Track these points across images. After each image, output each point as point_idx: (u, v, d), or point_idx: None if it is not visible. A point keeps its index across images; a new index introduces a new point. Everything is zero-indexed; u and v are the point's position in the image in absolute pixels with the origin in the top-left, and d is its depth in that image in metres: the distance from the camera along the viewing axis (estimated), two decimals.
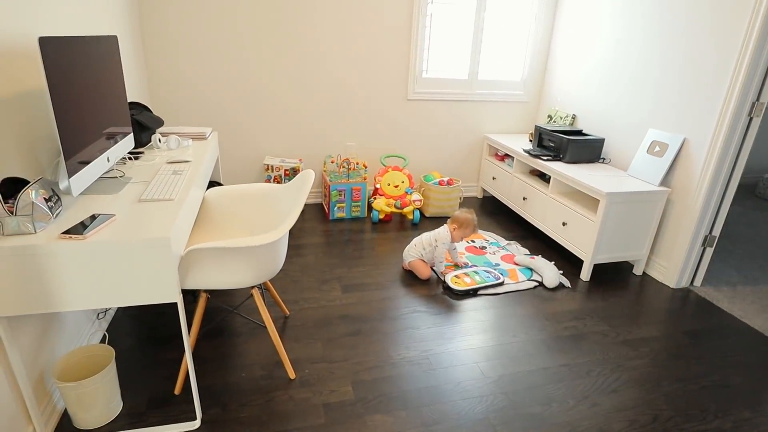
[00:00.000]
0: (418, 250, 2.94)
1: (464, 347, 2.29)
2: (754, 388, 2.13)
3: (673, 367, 2.24)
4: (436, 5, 3.76)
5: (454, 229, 2.95)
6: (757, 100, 2.56)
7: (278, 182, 3.67)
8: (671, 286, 2.97)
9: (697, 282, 3.00)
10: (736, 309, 2.76)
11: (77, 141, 1.54)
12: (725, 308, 2.76)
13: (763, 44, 2.43)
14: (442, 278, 2.90)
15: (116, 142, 1.92)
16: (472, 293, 2.76)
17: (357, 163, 3.72)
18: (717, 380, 2.16)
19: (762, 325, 2.62)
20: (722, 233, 3.85)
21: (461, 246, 3.35)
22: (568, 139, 3.31)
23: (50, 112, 1.76)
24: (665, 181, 2.98)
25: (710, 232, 2.87)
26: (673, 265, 2.95)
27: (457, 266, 3.04)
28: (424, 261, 2.93)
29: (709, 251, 2.92)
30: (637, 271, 3.12)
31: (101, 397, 1.67)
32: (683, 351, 2.36)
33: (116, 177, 1.88)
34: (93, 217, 1.49)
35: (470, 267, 3.03)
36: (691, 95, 2.79)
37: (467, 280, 2.83)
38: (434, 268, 2.96)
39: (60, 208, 1.49)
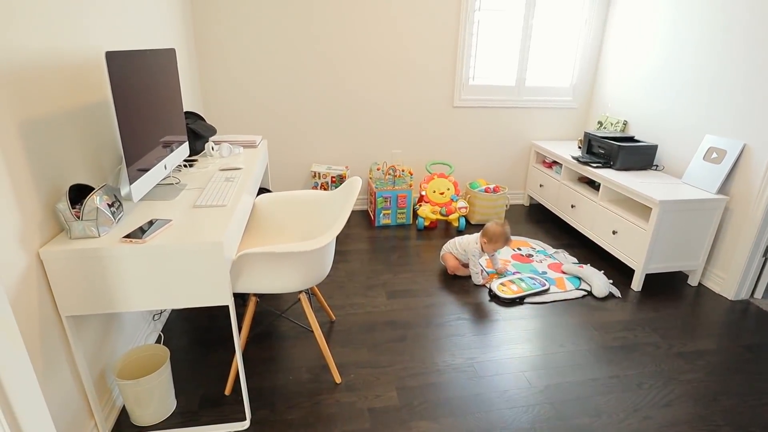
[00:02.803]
0: (452, 247, 3.01)
1: (510, 356, 2.26)
2: None
3: (732, 381, 2.13)
4: (483, 12, 3.75)
5: (484, 242, 2.90)
6: None
7: (325, 189, 3.74)
8: (729, 298, 2.82)
9: (758, 294, 2.83)
10: None
11: (137, 150, 1.63)
12: None
13: None
14: (488, 286, 2.87)
15: (172, 151, 2.01)
16: (519, 301, 2.72)
17: (402, 170, 3.74)
18: None
19: None
20: None
21: (507, 253, 3.30)
22: (619, 145, 3.21)
23: (114, 123, 1.87)
24: (723, 189, 2.84)
25: None
26: (732, 276, 2.80)
27: (499, 274, 3.00)
28: (455, 257, 2.98)
29: None
30: (693, 281, 2.99)
31: (157, 395, 1.74)
32: (743, 366, 2.24)
33: (172, 184, 1.97)
34: (151, 222, 1.56)
35: (514, 274, 2.98)
36: (751, 99, 2.65)
37: (514, 287, 2.78)
38: (472, 279, 2.95)
39: (122, 213, 1.57)
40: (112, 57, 1.44)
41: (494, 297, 2.76)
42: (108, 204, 1.48)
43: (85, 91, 1.69)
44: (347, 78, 3.72)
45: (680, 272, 3.12)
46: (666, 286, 2.95)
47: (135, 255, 1.42)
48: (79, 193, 1.49)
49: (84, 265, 1.41)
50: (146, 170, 1.69)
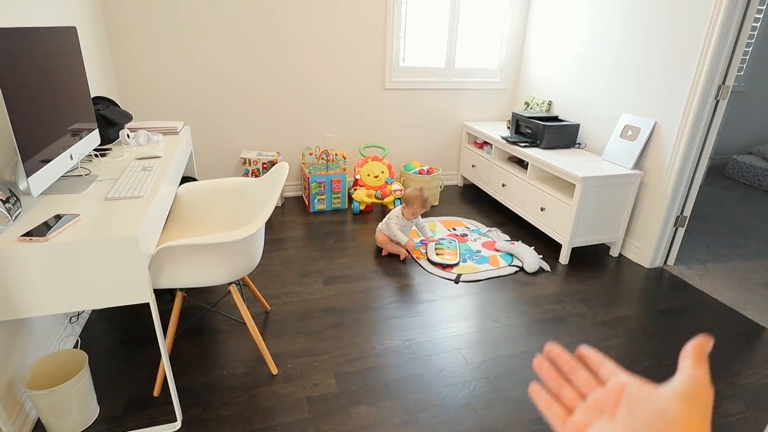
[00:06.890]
0: (382, 225, 3.10)
1: (446, 335, 2.29)
2: (724, 360, 2.18)
3: (648, 344, 2.28)
4: None
5: (403, 208, 3.03)
6: (723, 83, 2.60)
7: (256, 176, 3.61)
8: (646, 266, 3.02)
9: (671, 261, 3.05)
10: (707, 285, 2.82)
11: (36, 139, 1.48)
12: (697, 285, 2.82)
13: (727, 30, 2.48)
14: (423, 254, 3.00)
15: (80, 139, 1.85)
16: (456, 282, 2.76)
17: (336, 155, 3.68)
18: None
19: (730, 299, 2.68)
20: (693, 213, 3.91)
21: (443, 233, 3.35)
22: (545, 125, 3.31)
23: (3, 109, 1.69)
24: (638, 164, 3.01)
25: (682, 212, 2.91)
26: (648, 245, 2.99)
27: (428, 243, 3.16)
28: (384, 233, 3.06)
29: (681, 231, 2.97)
30: (614, 252, 3.16)
31: (76, 403, 1.62)
32: (658, 328, 2.41)
33: (81, 175, 1.82)
34: (57, 218, 1.43)
35: (435, 239, 3.20)
36: (661, 80, 2.81)
37: (449, 251, 3.03)
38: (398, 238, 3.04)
39: (19, 210, 1.42)
40: None
41: (434, 264, 2.93)
42: (2, 200, 1.33)
43: None
44: (277, 61, 3.59)
45: (603, 244, 3.29)
46: (590, 258, 3.10)
47: (37, 255, 1.29)
48: None
49: None
50: (49, 161, 1.54)
